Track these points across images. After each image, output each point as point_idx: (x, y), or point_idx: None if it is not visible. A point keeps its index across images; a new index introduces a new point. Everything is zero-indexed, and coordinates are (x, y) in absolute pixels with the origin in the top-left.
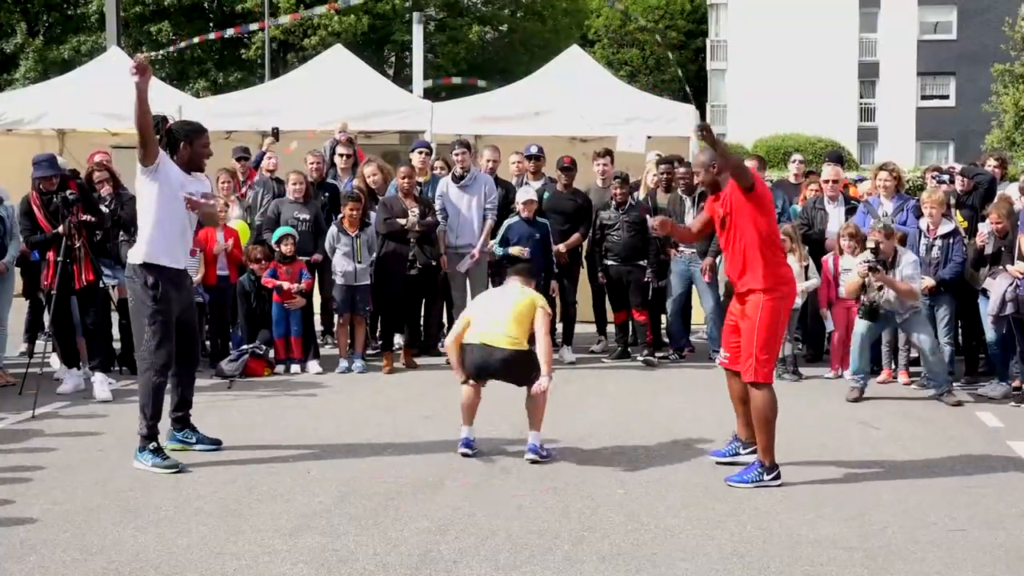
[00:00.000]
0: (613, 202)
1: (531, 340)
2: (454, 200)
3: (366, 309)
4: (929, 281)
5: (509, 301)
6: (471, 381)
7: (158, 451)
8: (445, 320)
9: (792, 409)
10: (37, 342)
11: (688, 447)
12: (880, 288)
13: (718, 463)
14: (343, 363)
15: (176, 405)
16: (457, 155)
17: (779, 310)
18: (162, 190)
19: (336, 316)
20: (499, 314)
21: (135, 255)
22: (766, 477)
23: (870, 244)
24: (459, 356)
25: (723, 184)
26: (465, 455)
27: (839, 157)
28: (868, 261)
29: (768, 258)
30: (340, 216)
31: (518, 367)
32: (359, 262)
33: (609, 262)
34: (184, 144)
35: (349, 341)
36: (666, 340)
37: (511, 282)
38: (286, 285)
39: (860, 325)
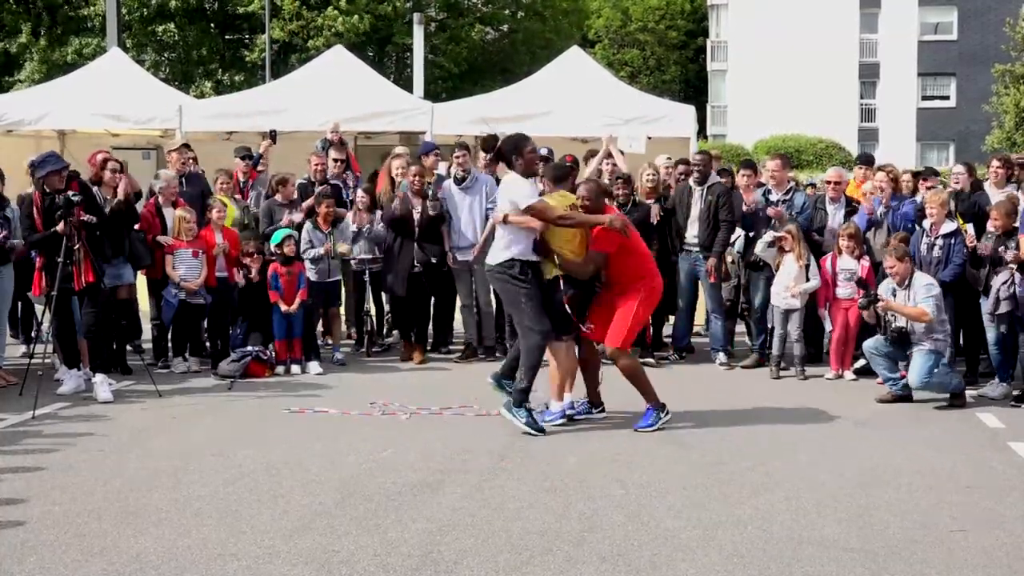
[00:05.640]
0: (615, 202)
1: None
2: (456, 202)
3: (338, 303)
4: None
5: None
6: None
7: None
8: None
9: (792, 409)
10: (37, 344)
11: (688, 447)
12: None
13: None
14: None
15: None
16: (457, 157)
17: (654, 301)
18: None
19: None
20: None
21: None
22: (662, 415)
23: (855, 280)
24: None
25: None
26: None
27: (867, 159)
28: (863, 300)
29: (636, 269)
30: (315, 214)
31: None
32: (332, 258)
33: None
34: None
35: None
36: (667, 340)
37: None
38: (284, 307)
39: (868, 343)
